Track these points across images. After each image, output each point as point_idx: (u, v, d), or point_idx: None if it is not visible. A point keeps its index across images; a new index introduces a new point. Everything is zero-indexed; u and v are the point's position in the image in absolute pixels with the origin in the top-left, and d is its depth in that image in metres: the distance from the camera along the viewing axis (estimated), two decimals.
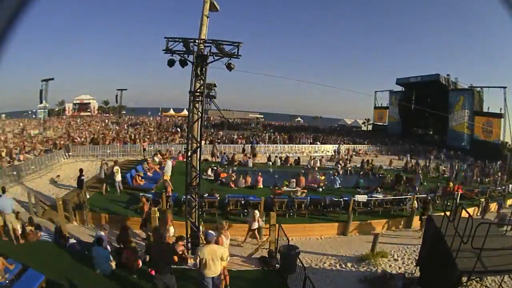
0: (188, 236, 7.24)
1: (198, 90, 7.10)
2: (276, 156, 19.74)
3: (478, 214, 11.92)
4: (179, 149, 19.61)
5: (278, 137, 28.12)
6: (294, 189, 12.00)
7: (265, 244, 7.64)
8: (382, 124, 42.35)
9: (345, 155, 23.10)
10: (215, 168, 14.67)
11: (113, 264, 5.93)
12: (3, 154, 15.91)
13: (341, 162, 19.46)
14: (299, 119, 57.13)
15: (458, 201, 11.02)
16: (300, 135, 31.12)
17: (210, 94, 33.96)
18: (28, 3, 1.55)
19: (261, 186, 12.88)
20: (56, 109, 43.34)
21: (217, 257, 4.79)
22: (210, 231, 5.66)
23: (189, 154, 7.32)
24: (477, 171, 18.28)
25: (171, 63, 6.92)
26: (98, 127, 29.63)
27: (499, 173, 18.18)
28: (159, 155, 16.20)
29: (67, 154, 17.73)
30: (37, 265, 5.62)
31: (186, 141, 8.12)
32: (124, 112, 44.16)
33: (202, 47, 6.95)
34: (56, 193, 11.63)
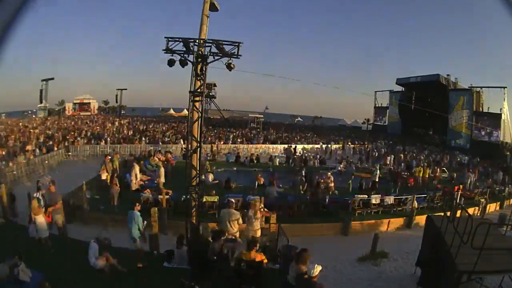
0: (188, 236, 7.24)
1: (198, 90, 7.11)
2: (275, 156, 19.88)
3: (479, 214, 11.94)
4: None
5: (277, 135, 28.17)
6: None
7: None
8: (382, 124, 42.40)
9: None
10: None
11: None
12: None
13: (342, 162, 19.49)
14: (299, 119, 57.16)
15: (458, 201, 11.06)
16: (300, 134, 31.18)
17: (210, 94, 33.94)
18: (28, 3, 1.55)
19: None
20: (56, 109, 43.29)
21: (233, 219, 6.41)
22: (231, 199, 7.68)
23: (189, 154, 7.33)
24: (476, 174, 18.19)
25: (171, 63, 6.93)
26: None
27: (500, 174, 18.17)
28: (156, 157, 16.19)
29: (67, 154, 17.77)
30: (38, 264, 5.62)
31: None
32: (124, 112, 44.16)
33: (202, 47, 6.95)
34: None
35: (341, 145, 27.03)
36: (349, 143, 27.93)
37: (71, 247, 6.95)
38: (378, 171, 14.53)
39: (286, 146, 23.43)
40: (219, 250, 5.64)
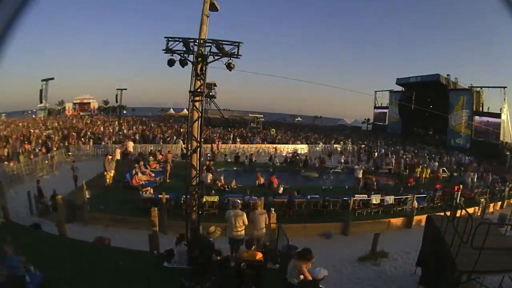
0: (188, 236, 7.23)
1: (198, 90, 7.10)
2: (275, 157, 19.90)
3: (479, 214, 11.94)
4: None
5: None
6: None
7: None
8: (382, 124, 42.38)
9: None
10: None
11: None
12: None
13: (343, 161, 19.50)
14: (299, 118, 57.16)
15: (458, 201, 11.06)
16: (301, 134, 31.17)
17: (210, 94, 33.90)
18: (27, 3, 1.55)
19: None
20: (56, 109, 43.23)
21: (240, 219, 6.50)
22: (236, 200, 7.79)
23: (188, 154, 7.32)
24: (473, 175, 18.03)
25: (171, 62, 6.92)
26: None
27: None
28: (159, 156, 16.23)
29: (67, 154, 17.79)
30: (38, 264, 5.62)
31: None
32: (125, 111, 44.08)
33: (202, 47, 6.94)
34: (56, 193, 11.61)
35: (341, 145, 27.00)
36: (350, 143, 27.93)
37: (71, 247, 6.94)
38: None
39: (292, 149, 23.39)
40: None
